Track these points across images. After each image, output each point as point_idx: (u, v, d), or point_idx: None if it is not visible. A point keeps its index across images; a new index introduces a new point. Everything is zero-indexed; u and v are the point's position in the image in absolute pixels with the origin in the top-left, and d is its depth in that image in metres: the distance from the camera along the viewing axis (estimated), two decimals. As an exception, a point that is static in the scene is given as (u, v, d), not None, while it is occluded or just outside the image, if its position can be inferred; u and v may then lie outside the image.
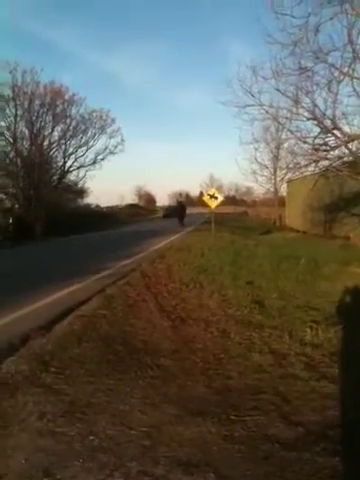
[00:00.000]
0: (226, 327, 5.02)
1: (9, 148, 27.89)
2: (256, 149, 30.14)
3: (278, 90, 12.32)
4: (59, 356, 4.12)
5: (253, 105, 13.31)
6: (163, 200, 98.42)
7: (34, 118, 28.91)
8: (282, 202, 33.60)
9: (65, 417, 2.93)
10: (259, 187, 35.41)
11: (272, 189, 33.58)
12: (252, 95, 13.20)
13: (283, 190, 33.53)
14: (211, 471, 2.29)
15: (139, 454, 2.47)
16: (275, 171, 31.79)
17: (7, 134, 27.88)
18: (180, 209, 31.83)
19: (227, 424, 2.81)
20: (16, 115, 28.11)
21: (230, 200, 74.53)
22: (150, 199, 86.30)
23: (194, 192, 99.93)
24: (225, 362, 3.98)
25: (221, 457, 2.44)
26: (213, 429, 2.74)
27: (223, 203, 22.53)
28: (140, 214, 48.71)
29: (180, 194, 38.80)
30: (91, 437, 2.66)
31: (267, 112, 13.38)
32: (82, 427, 2.79)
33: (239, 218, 48.28)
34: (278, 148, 29.78)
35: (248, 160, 31.80)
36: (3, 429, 2.81)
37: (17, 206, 27.51)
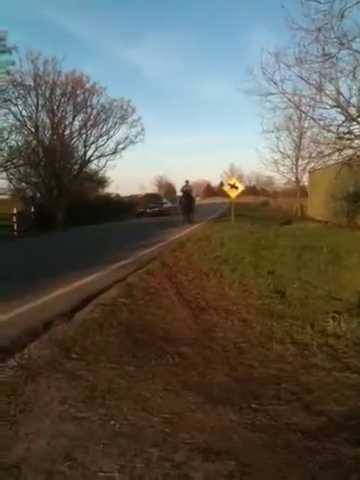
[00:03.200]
0: (247, 316, 5.00)
1: (31, 138, 28.08)
2: (278, 138, 29.87)
3: (301, 77, 12.15)
4: (80, 342, 4.15)
5: (275, 93, 13.16)
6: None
7: (55, 107, 28.97)
8: (304, 192, 33.22)
9: (86, 402, 2.96)
10: (280, 177, 35.13)
11: (294, 179, 33.24)
12: (274, 83, 13.05)
13: (305, 180, 33.14)
14: (232, 458, 2.28)
15: (160, 440, 2.47)
16: (297, 160, 31.42)
17: (29, 124, 28.07)
18: (187, 200, 24.83)
19: (248, 412, 2.80)
20: (37, 104, 28.23)
21: (251, 190, 74.06)
22: (170, 189, 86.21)
23: (215, 182, 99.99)
24: (246, 351, 3.96)
25: (242, 445, 2.43)
26: (234, 417, 2.73)
27: (244, 193, 22.46)
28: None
29: (186, 181, 26.76)
30: (112, 422, 2.68)
31: (290, 100, 13.23)
32: (103, 412, 2.80)
33: (260, 208, 47.97)
34: (300, 137, 29.45)
35: (269, 149, 31.41)
36: (25, 413, 2.84)
37: (39, 195, 27.74)
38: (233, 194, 18.72)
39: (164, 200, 36.04)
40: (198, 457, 2.29)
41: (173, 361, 3.74)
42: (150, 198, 38.18)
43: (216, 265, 8.15)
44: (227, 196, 20.01)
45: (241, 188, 19.28)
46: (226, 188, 19.21)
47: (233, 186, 18.76)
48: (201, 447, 2.39)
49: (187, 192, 25.27)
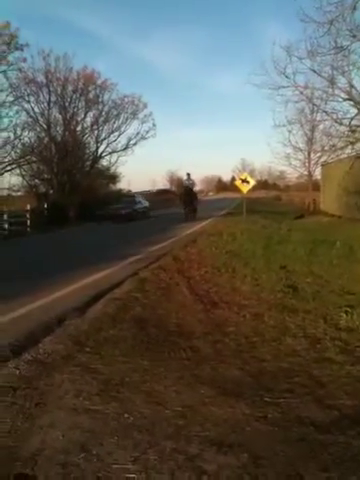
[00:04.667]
0: (259, 311, 5.00)
1: (43, 134, 28.25)
2: (290, 132, 29.57)
3: (313, 70, 12.06)
4: (94, 337, 4.19)
5: (287, 86, 13.11)
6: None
7: (67, 104, 29.12)
8: (316, 186, 32.98)
9: (100, 395, 2.99)
10: (292, 171, 34.84)
11: (306, 173, 32.97)
12: (286, 76, 12.99)
13: (317, 174, 32.88)
14: (245, 451, 2.29)
15: (173, 433, 2.50)
16: (309, 154, 31.17)
17: (41, 120, 28.23)
18: (188, 196, 22.33)
19: (261, 406, 2.81)
20: (49, 101, 28.39)
21: (262, 184, 73.74)
22: (181, 184, 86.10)
23: (226, 177, 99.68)
24: (258, 345, 3.96)
25: (255, 438, 2.45)
26: (247, 410, 2.75)
27: (255, 188, 22.36)
28: (172, 199, 47.80)
29: (188, 174, 23.30)
30: (126, 415, 2.71)
31: (301, 93, 13.16)
32: (117, 405, 2.83)
33: (272, 203, 47.75)
34: (312, 130, 29.20)
35: (281, 143, 31.06)
36: (41, 406, 2.88)
37: (51, 191, 27.92)
38: (245, 189, 18.63)
39: (138, 199, 27.25)
40: (211, 450, 2.31)
41: (186, 355, 3.76)
42: (121, 197, 29.15)
43: (228, 260, 8.15)
44: (239, 191, 19.93)
45: (253, 183, 19.16)
46: (238, 183, 19.11)
47: (245, 181, 18.66)
48: (214, 440, 2.41)
49: (189, 187, 22.75)
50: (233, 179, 65.51)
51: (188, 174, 22.99)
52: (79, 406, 2.85)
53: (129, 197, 28.93)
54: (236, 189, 21.35)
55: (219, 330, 4.43)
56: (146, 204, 28.28)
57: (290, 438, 2.45)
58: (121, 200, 27.12)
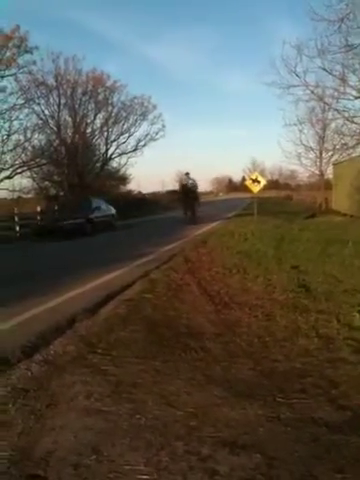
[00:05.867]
0: (271, 311, 4.96)
1: (53, 136, 28.43)
2: (300, 131, 29.40)
3: (324, 69, 12.00)
4: (105, 338, 4.19)
5: (298, 85, 13.07)
6: (206, 185, 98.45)
7: (77, 106, 29.31)
8: (328, 185, 32.73)
9: (112, 397, 2.98)
10: (304, 170, 34.62)
11: (317, 172, 32.75)
12: (297, 75, 12.96)
13: (329, 173, 32.63)
14: (257, 452, 2.27)
15: (185, 434, 2.48)
16: (321, 153, 30.95)
17: (51, 122, 28.42)
18: (187, 197, 20.23)
19: (273, 406, 2.79)
20: (59, 103, 28.59)
21: (273, 184, 73.34)
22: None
23: (237, 177, 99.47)
24: (270, 345, 3.93)
25: (267, 438, 2.42)
26: (259, 411, 2.72)
27: (266, 187, 22.19)
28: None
29: (187, 173, 21.04)
30: (138, 416, 2.70)
31: (312, 92, 13.11)
32: (129, 406, 2.82)
33: (283, 202, 47.49)
34: (324, 129, 29.01)
35: (292, 142, 30.89)
36: (52, 408, 2.89)
37: (62, 193, 28.10)
38: (255, 189, 18.56)
39: (96, 204, 19.14)
40: (224, 450, 2.29)
41: (197, 356, 3.74)
42: (68, 204, 21.22)
43: (239, 260, 8.11)
44: (249, 191, 19.86)
45: (263, 182, 19.08)
46: (248, 183, 19.03)
47: (255, 180, 18.59)
48: (226, 441, 2.38)
49: (188, 187, 20.14)
50: (243, 179, 65.37)
51: (187, 173, 20.76)
52: (90, 407, 2.85)
53: (86, 203, 19.62)
54: (247, 189, 21.24)
55: (230, 331, 4.40)
56: (111, 211, 20.30)
57: (303, 439, 2.42)
58: (73, 208, 18.83)
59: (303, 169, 33.93)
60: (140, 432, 2.52)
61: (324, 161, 31.45)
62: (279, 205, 38.65)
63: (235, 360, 3.61)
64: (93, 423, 2.65)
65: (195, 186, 21.09)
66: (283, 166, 61.42)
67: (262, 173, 44.06)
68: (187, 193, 20.31)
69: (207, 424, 2.59)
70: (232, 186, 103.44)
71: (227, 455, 2.26)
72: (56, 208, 20.79)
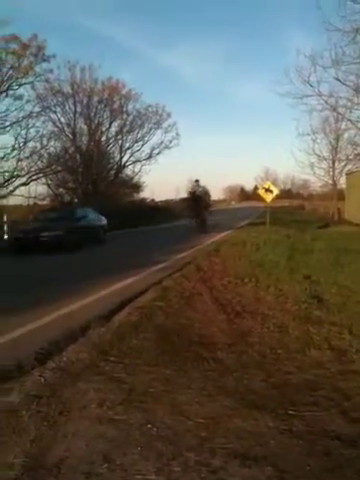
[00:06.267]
0: (283, 322, 4.94)
1: (69, 144, 28.72)
2: (314, 141, 29.41)
3: (338, 79, 12.00)
4: (117, 346, 4.21)
5: (311, 95, 13.06)
6: (218, 194, 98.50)
7: (92, 114, 29.60)
8: (341, 195, 32.60)
9: (124, 405, 2.99)
10: (316, 180, 34.57)
11: (330, 182, 32.65)
12: (310, 85, 12.96)
13: (342, 182, 32.53)
14: (269, 464, 2.26)
15: (196, 444, 2.48)
16: (334, 163, 30.88)
17: (67, 130, 28.73)
18: (196, 205, 19.51)
19: (285, 418, 2.77)
20: (75, 111, 28.91)
21: (286, 193, 73.18)
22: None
23: (249, 186, 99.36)
24: (283, 357, 3.92)
25: (279, 451, 2.41)
26: (271, 423, 2.71)
27: (279, 197, 22.14)
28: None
29: (196, 181, 20.33)
30: (149, 426, 2.70)
31: (326, 102, 13.10)
32: (140, 415, 2.83)
33: (295, 212, 47.32)
34: (337, 139, 28.99)
35: (305, 152, 30.85)
36: (65, 415, 2.90)
37: (76, 200, 28.30)
38: (268, 198, 18.55)
39: (81, 213, 16.72)
40: (235, 462, 2.29)
41: (209, 366, 3.74)
42: (49, 213, 17.42)
43: (251, 269, 8.10)
44: (262, 200, 19.85)
45: (276, 192, 19.08)
46: (261, 192, 19.03)
47: (268, 190, 18.59)
48: (238, 452, 2.38)
49: (197, 194, 19.47)
50: (256, 188, 65.23)
51: (196, 180, 20.01)
52: (103, 415, 2.86)
53: (63, 210, 18.33)
54: (259, 198, 21.24)
55: (242, 341, 4.39)
56: (101, 222, 17.64)
57: (315, 452, 2.41)
58: (45, 215, 16.90)
59: (316, 179, 33.89)
60: (151, 441, 2.53)
61: (337, 171, 31.41)
62: (291, 214, 38.52)
63: (247, 371, 3.60)
64: (105, 431, 2.66)
65: (206, 194, 20.67)
66: (296, 175, 61.19)
67: (274, 182, 43.83)
68: (196, 201, 19.71)
69: (218, 435, 2.59)
70: (244, 195, 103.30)
71: (238, 467, 2.25)
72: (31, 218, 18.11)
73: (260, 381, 3.41)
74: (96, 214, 17.93)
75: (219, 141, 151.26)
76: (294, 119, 33.29)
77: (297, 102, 13.63)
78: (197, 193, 19.68)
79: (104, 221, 18.02)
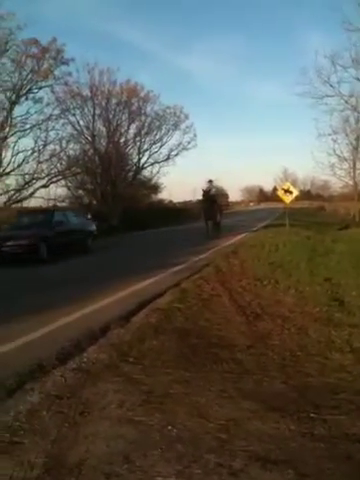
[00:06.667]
0: (303, 324, 4.90)
1: (88, 146, 28.94)
2: (334, 141, 29.01)
3: (358, 79, 11.83)
4: (137, 347, 4.22)
5: (331, 95, 12.93)
6: (236, 195, 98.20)
7: (111, 116, 29.76)
8: (362, 196, 32.13)
9: (144, 406, 3.00)
10: (337, 181, 34.07)
11: (351, 182, 32.19)
12: (330, 85, 12.83)
13: (363, 183, 32.04)
14: (290, 467, 2.24)
15: (217, 447, 2.47)
16: (354, 163, 30.40)
17: (86, 133, 28.95)
18: (209, 206, 18.12)
19: (306, 421, 2.75)
20: (94, 114, 29.11)
21: (305, 195, 72.48)
22: (223, 194, 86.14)
23: (268, 187, 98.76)
24: (303, 360, 3.88)
25: (300, 454, 2.39)
26: (292, 426, 2.69)
27: (298, 198, 21.91)
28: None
29: (210, 181, 18.64)
30: (169, 427, 2.70)
31: (346, 102, 12.92)
32: (160, 417, 2.83)
33: (315, 213, 46.91)
34: (358, 139, 28.59)
35: (325, 153, 30.45)
36: (85, 415, 2.92)
37: (95, 202, 28.53)
38: (287, 199, 18.38)
39: (60, 218, 14.03)
40: (256, 465, 2.27)
41: (228, 368, 3.73)
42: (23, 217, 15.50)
43: (270, 271, 8.04)
44: (280, 201, 19.68)
45: (295, 193, 18.88)
46: (280, 193, 18.85)
47: (287, 191, 18.41)
48: (259, 455, 2.36)
49: (209, 194, 18.13)
50: (275, 189, 64.78)
51: (210, 180, 18.62)
52: (123, 416, 2.87)
53: (37, 214, 16.12)
54: (278, 199, 21.05)
55: (262, 343, 4.37)
56: (88, 227, 15.56)
57: (337, 455, 2.38)
58: (19, 220, 14.89)
59: (336, 180, 33.40)
60: (171, 443, 2.52)
61: (358, 172, 30.90)
62: (311, 216, 38.18)
63: (267, 373, 3.58)
64: (125, 432, 2.67)
65: (222, 194, 19.67)
66: (315, 176, 60.49)
67: (294, 183, 43.41)
68: (210, 201, 18.19)
69: (239, 437, 2.57)
70: (263, 196, 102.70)
71: (259, 470, 2.24)
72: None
73: (280, 383, 3.39)
74: (81, 218, 16.04)
75: (237, 142, 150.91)
76: (314, 119, 32.84)
77: (317, 102, 13.57)
78: (211, 193, 18.34)
79: (92, 226, 16.07)
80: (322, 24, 76.79)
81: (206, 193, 18.11)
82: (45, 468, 2.32)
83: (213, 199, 18.37)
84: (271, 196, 76.30)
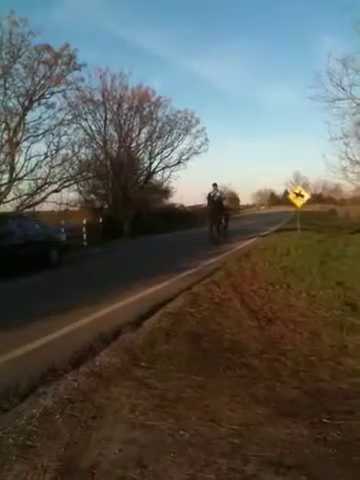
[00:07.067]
0: (316, 329, 4.87)
1: (99, 151, 29.09)
2: (346, 144, 28.81)
3: (370, 82, 11.75)
4: (149, 351, 4.23)
5: (344, 99, 12.86)
6: (248, 198, 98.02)
7: (122, 121, 29.89)
8: (374, 200, 31.87)
9: (156, 411, 3.00)
10: (349, 184, 33.82)
11: (363, 186, 31.96)
12: (342, 88, 12.76)
13: (376, 187, 31.76)
14: (303, 474, 2.23)
15: (229, 452, 2.46)
16: (367, 167, 30.21)
17: (98, 137, 29.11)
18: (215, 211, 17.30)
19: (319, 427, 2.73)
20: (106, 119, 29.27)
21: (317, 198, 72.07)
22: (234, 198, 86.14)
23: (279, 190, 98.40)
24: (316, 364, 3.86)
25: (314, 460, 2.37)
26: (305, 431, 2.67)
27: (310, 201, 21.77)
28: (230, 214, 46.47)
29: (214, 185, 17.30)
30: (181, 432, 2.70)
31: (358, 105, 12.82)
32: (173, 422, 2.83)
33: (327, 217, 46.58)
34: (370, 143, 28.36)
35: (337, 156, 30.26)
36: (98, 420, 2.93)
37: (106, 206, 28.63)
38: (299, 203, 18.29)
39: (12, 228, 11.47)
40: (268, 470, 2.26)
41: (240, 372, 3.72)
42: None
43: (282, 275, 8.01)
44: (292, 204, 19.60)
45: (307, 196, 18.78)
46: (291, 196, 18.77)
47: (299, 194, 18.32)
48: (271, 460, 2.35)
49: (216, 200, 17.34)
50: (286, 193, 64.52)
51: (214, 184, 17.56)
52: (135, 421, 2.88)
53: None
54: (289, 203, 20.97)
55: (275, 348, 4.35)
56: (50, 238, 13.19)
57: (351, 462, 2.36)
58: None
59: (348, 183, 33.16)
60: (184, 448, 2.52)
61: (371, 175, 30.64)
62: (323, 219, 37.92)
63: (279, 379, 3.56)
64: (138, 437, 2.67)
65: (233, 198, 18.57)
66: (327, 180, 60.09)
67: (305, 187, 43.16)
68: (215, 206, 17.24)
69: (251, 442, 2.56)
70: (274, 199, 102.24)
71: (272, 475, 2.23)
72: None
73: (293, 388, 3.37)
74: (44, 227, 13.80)
75: (249, 146, 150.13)
76: (326, 122, 32.65)
77: (329, 106, 13.48)
78: (215, 199, 17.35)
79: (58, 237, 14.45)
80: (335, 27, 76.43)
81: (210, 197, 17.35)
82: (58, 472, 2.33)
83: (218, 203, 17.52)
84: (282, 200, 76.02)
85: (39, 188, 22.32)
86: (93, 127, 28.96)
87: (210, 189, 17.32)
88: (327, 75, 13.13)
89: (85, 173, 25.77)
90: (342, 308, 5.59)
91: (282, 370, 3.76)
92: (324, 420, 2.83)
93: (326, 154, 40.32)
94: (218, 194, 17.60)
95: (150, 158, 32.83)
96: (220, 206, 17.73)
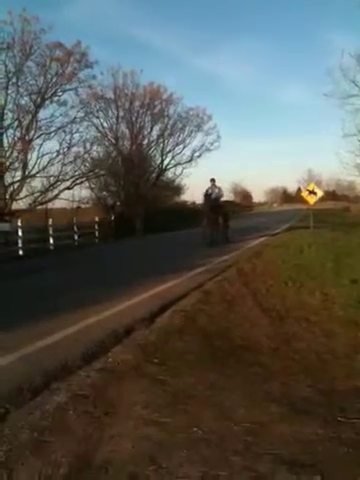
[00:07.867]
0: (330, 327, 4.84)
1: (111, 148, 29.17)
2: (360, 141, 28.57)
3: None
4: (161, 348, 4.23)
5: (357, 95, 12.72)
6: (260, 196, 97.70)
7: (134, 119, 29.92)
8: (388, 197, 31.55)
9: (169, 408, 3.00)
10: (363, 181, 33.60)
11: (377, 183, 31.66)
12: (356, 85, 12.63)
13: (390, 184, 31.46)
14: (317, 472, 2.21)
15: (242, 449, 2.45)
16: (381, 164, 29.90)
17: (109, 135, 29.20)
18: (213, 211, 15.36)
19: (334, 426, 2.71)
20: (118, 116, 29.35)
21: (330, 195, 71.55)
22: (246, 196, 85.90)
23: (292, 188, 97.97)
24: (330, 363, 3.83)
25: (328, 459, 2.35)
26: (319, 430, 2.65)
27: (323, 199, 21.60)
28: (235, 211, 46.57)
29: (212, 180, 15.42)
30: (195, 429, 2.70)
31: (373, 101, 12.69)
32: (186, 418, 2.83)
33: (340, 214, 46.16)
34: (384, 139, 28.07)
35: (351, 153, 29.99)
36: (111, 416, 2.94)
37: (118, 203, 28.71)
38: (312, 200, 18.18)
39: None
40: (282, 469, 2.25)
41: (253, 370, 3.70)
42: None
43: (295, 273, 7.95)
44: (305, 202, 19.47)
45: (320, 194, 18.65)
46: (304, 194, 18.67)
47: (311, 192, 18.21)
48: (285, 459, 2.34)
49: (214, 197, 15.54)
50: (299, 190, 64.24)
51: (212, 180, 15.71)
52: (148, 417, 2.88)
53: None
54: (302, 200, 20.82)
55: (287, 345, 4.33)
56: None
57: (365, 461, 2.34)
58: None
59: (362, 180, 32.90)
60: (197, 445, 2.52)
61: (384, 172, 30.33)
62: (336, 217, 37.59)
63: (292, 377, 3.55)
64: (151, 433, 2.67)
65: (221, 197, 16.44)
66: (340, 177, 59.63)
67: (318, 184, 42.84)
68: (212, 205, 15.50)
69: (265, 440, 2.55)
70: (287, 197, 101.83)
71: (286, 474, 2.21)
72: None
73: (306, 387, 3.35)
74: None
75: (261, 143, 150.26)
76: (340, 119, 32.46)
77: (342, 102, 13.34)
78: (213, 196, 15.60)
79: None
80: (347, 24, 75.73)
81: (208, 195, 15.57)
82: (71, 468, 2.34)
83: (215, 202, 15.68)
84: (295, 197, 75.57)
85: (51, 185, 22.44)
86: (105, 124, 29.09)
87: (208, 185, 15.74)
88: (340, 72, 12.97)
89: (97, 170, 25.86)
90: (356, 306, 5.54)
91: (295, 368, 3.74)
92: (338, 418, 2.81)
93: (339, 151, 40.03)
94: (216, 190, 15.80)
95: (162, 155, 32.82)
96: (218, 206, 15.89)
